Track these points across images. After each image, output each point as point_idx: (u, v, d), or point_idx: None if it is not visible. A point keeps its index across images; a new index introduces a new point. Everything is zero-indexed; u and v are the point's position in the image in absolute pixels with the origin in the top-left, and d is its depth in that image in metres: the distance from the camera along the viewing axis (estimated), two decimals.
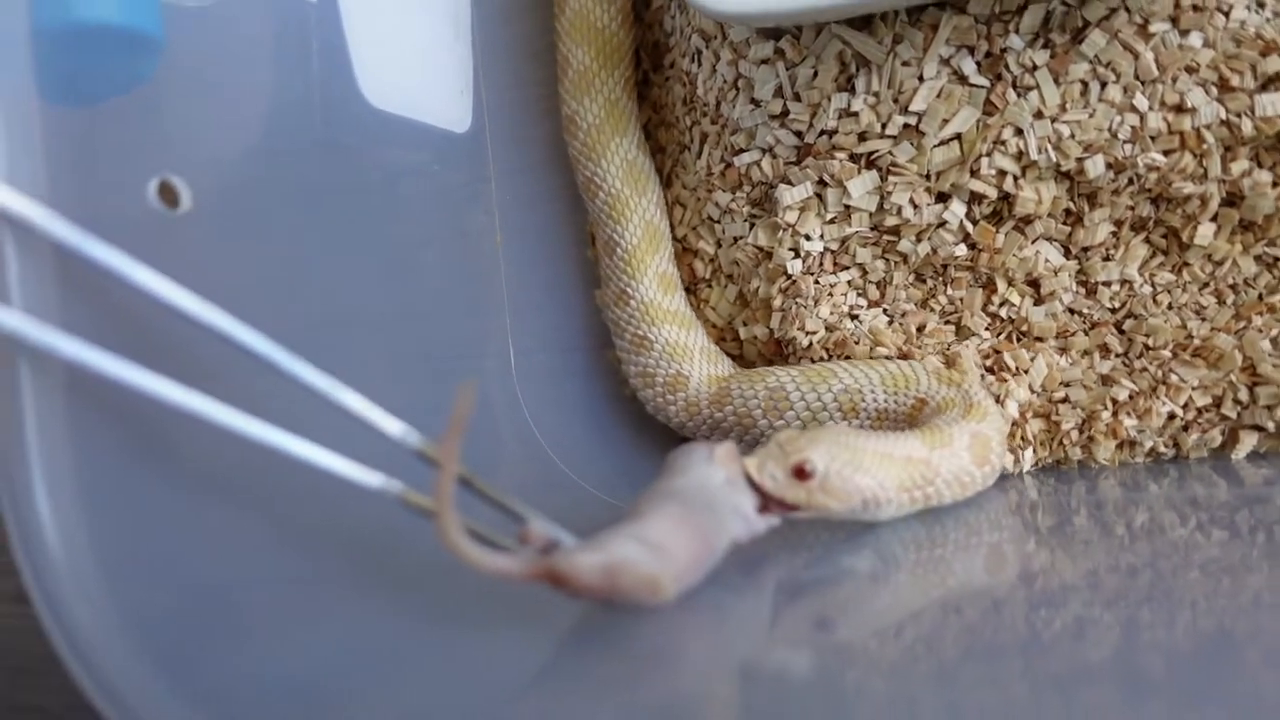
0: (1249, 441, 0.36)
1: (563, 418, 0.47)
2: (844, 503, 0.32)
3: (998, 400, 0.39)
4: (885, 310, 0.41)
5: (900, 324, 0.41)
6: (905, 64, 0.39)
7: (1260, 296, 0.37)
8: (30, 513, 0.24)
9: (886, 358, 0.40)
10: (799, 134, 0.41)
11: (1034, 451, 0.39)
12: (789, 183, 0.42)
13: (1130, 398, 0.37)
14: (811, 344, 0.42)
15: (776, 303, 0.43)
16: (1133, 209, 0.37)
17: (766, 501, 0.31)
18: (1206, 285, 0.38)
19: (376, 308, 0.39)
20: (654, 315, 0.45)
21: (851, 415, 0.38)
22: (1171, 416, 0.37)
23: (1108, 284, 0.39)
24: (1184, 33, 0.35)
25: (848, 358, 0.41)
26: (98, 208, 0.27)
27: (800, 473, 0.32)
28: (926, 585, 0.32)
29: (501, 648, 0.28)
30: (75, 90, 0.28)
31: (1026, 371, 0.39)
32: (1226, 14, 0.34)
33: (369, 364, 0.38)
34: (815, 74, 0.40)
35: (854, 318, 0.42)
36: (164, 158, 0.29)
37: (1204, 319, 0.37)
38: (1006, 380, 0.39)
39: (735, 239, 0.45)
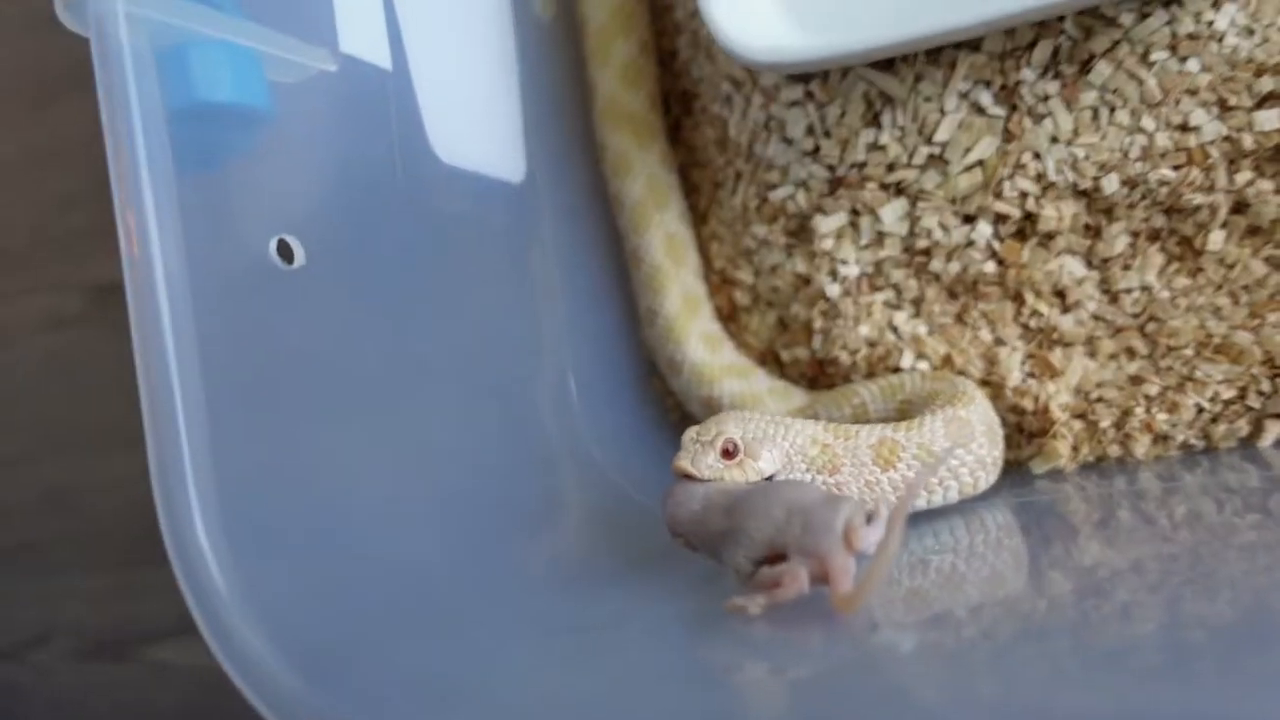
0: (1274, 429, 0.39)
1: (618, 441, 0.50)
2: (769, 464, 0.34)
3: (1039, 403, 0.41)
4: (924, 322, 0.44)
5: (940, 333, 0.44)
6: (927, 100, 0.42)
7: (1271, 295, 0.40)
8: (190, 535, 0.26)
9: (937, 375, 0.42)
10: (831, 167, 0.45)
11: (1075, 449, 0.41)
12: (824, 213, 0.45)
13: (1160, 393, 0.40)
14: (855, 362, 0.45)
15: (817, 325, 0.46)
16: (1147, 221, 0.41)
17: None
18: (1220, 287, 0.41)
19: (451, 345, 0.41)
20: (709, 375, 0.48)
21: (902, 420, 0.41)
22: (1200, 410, 0.40)
23: (1128, 291, 0.42)
24: (1182, 59, 0.38)
25: (898, 369, 0.44)
26: (230, 265, 0.30)
27: (727, 453, 0.34)
28: (976, 582, 0.34)
29: (588, 655, 0.31)
30: (198, 158, 0.31)
31: (1064, 374, 0.41)
32: (1220, 41, 0.38)
33: (446, 400, 0.41)
34: (843, 113, 0.44)
35: (894, 330, 0.44)
36: (281, 219, 0.32)
37: (1221, 318, 0.40)
38: (1046, 384, 0.42)
39: (773, 267, 0.48)
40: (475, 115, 0.45)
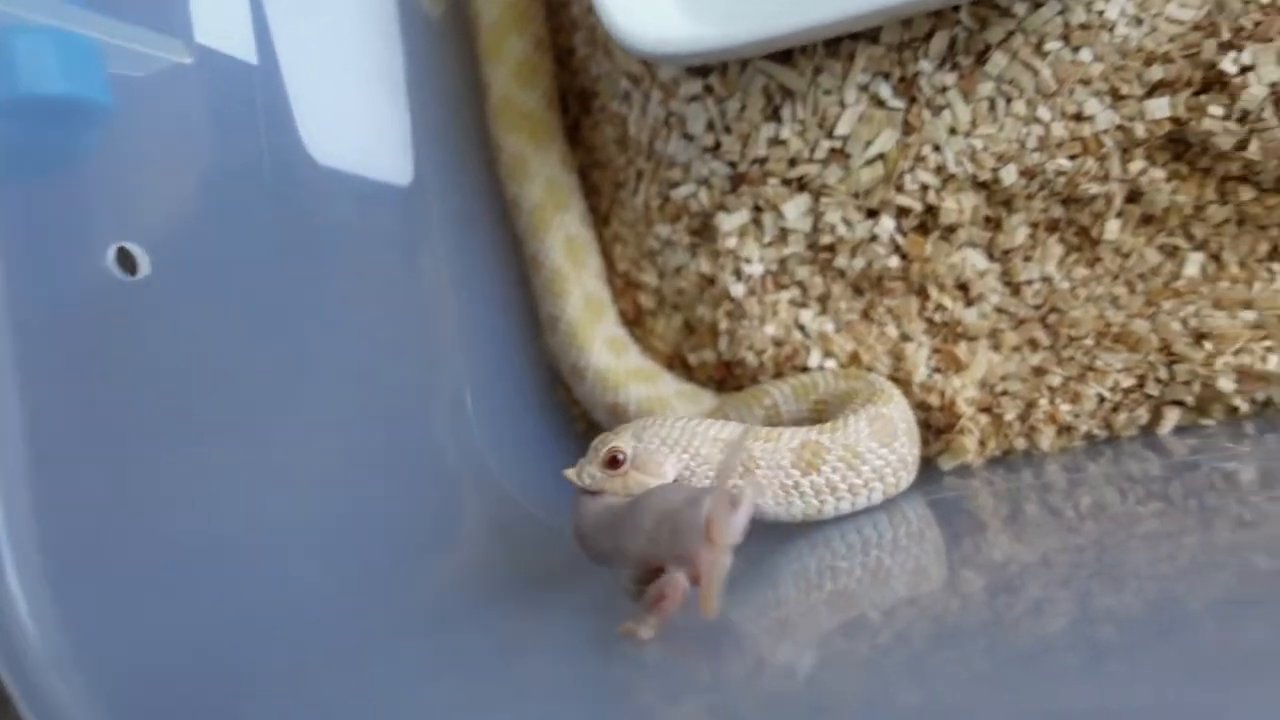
0: (1172, 416, 0.39)
1: (519, 454, 0.47)
2: (659, 477, 0.33)
3: (945, 398, 0.41)
4: (831, 320, 0.44)
5: (847, 330, 0.43)
6: (827, 92, 0.41)
7: (1165, 283, 0.40)
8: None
9: (852, 373, 0.41)
10: (732, 164, 0.44)
11: (982, 444, 0.41)
12: (726, 210, 0.44)
13: (1062, 384, 0.40)
14: (762, 362, 0.44)
15: (722, 326, 0.45)
16: (1045, 211, 0.41)
17: None
18: (1118, 276, 0.41)
19: (331, 359, 0.39)
20: (614, 381, 0.46)
21: (820, 421, 0.40)
22: (1101, 399, 0.40)
23: (1029, 282, 0.41)
24: (1075, 49, 0.38)
25: (805, 369, 0.43)
26: (58, 278, 0.26)
27: (613, 463, 0.33)
28: (887, 585, 0.34)
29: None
30: (23, 159, 0.28)
31: (969, 367, 0.41)
32: (1111, 30, 0.38)
33: (326, 414, 0.38)
34: (743, 107, 0.43)
35: (801, 328, 0.43)
36: (121, 225, 0.29)
37: (1119, 307, 0.40)
38: (952, 378, 0.41)
39: (678, 268, 0.47)
40: (356, 114, 0.43)
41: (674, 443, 0.33)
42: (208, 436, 0.30)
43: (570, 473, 0.33)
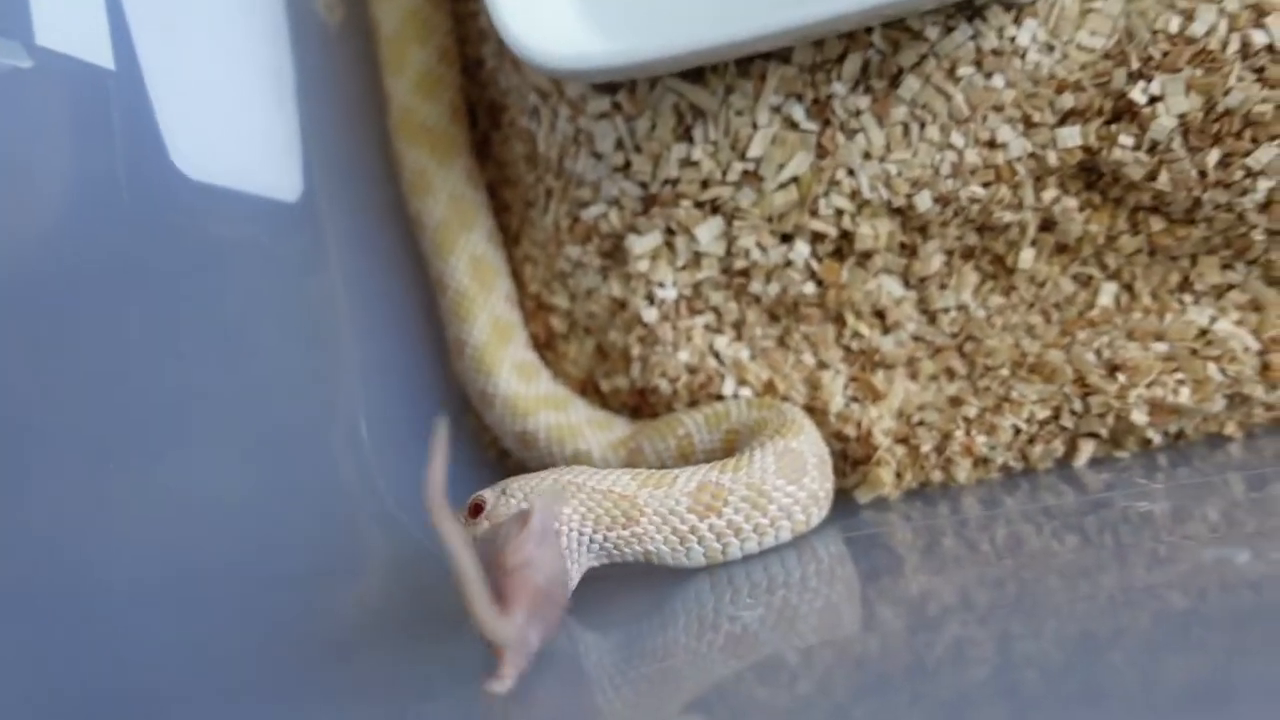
0: (1087, 449, 0.39)
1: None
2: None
3: (861, 429, 0.39)
4: (746, 346, 0.42)
5: (763, 358, 0.42)
6: (739, 113, 0.40)
7: (1080, 313, 0.40)
8: None
9: (764, 402, 0.40)
10: (643, 184, 0.42)
11: (899, 476, 0.40)
12: (637, 232, 0.42)
13: (979, 415, 0.39)
14: (676, 390, 0.42)
15: (635, 352, 0.43)
16: (960, 239, 0.40)
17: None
18: (1033, 305, 0.40)
19: (213, 391, 0.36)
20: (524, 408, 0.44)
21: (732, 451, 0.38)
22: (1017, 431, 0.39)
23: (946, 310, 0.41)
24: (988, 75, 0.37)
25: (720, 397, 0.41)
26: None
27: (475, 509, 0.32)
28: (793, 628, 0.32)
29: None
30: None
31: (886, 397, 0.40)
32: (1023, 57, 0.37)
33: (210, 451, 0.35)
34: (654, 126, 0.41)
35: (716, 355, 0.42)
36: None
37: (1034, 337, 0.40)
38: (869, 408, 0.40)
39: (589, 291, 0.45)
40: (238, 126, 0.40)
41: (543, 500, 0.31)
42: (50, 482, 0.27)
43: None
